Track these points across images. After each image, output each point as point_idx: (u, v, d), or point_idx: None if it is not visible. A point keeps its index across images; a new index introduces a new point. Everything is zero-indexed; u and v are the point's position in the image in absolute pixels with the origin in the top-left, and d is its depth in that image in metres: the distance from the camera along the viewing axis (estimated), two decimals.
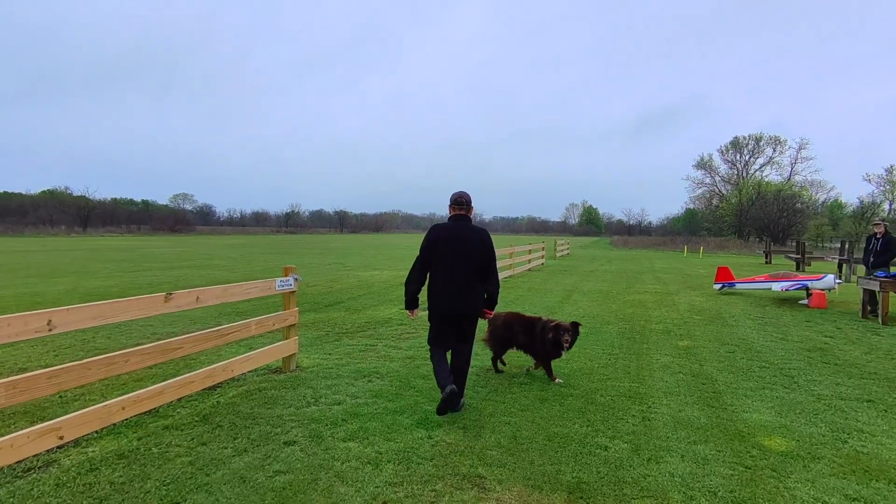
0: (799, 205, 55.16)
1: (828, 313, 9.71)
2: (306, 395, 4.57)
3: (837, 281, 11.08)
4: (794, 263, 21.98)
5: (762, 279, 12.31)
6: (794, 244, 43.51)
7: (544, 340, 5.04)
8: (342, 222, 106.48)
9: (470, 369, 4.73)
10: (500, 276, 14.86)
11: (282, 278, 5.10)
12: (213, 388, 4.63)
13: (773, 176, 67.19)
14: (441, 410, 4.10)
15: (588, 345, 6.77)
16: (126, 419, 3.74)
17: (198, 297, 4.10)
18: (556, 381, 5.06)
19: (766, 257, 26.80)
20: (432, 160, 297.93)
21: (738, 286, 12.63)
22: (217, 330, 4.34)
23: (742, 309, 10.16)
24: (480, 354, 6.11)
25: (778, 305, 10.73)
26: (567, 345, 4.93)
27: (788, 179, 65.80)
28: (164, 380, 4.33)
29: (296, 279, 5.29)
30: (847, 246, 15.68)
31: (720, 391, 4.92)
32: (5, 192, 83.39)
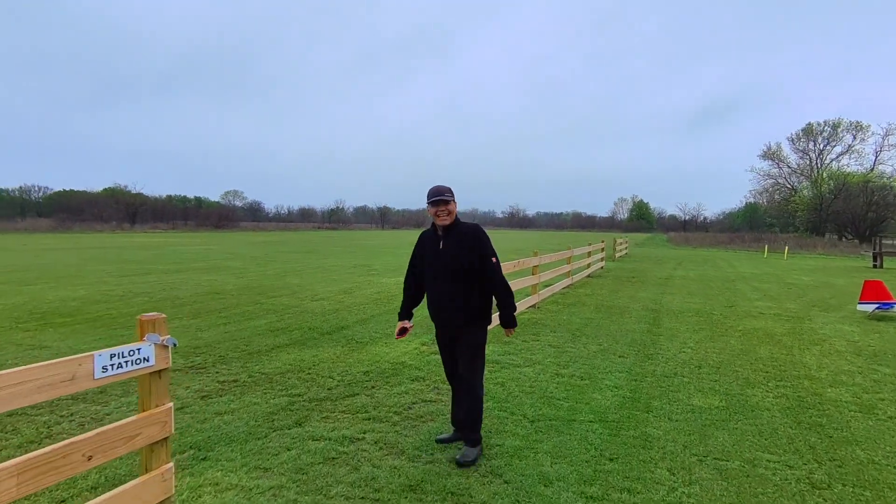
0: (892, 197, 48.42)
1: None
2: None
3: None
4: None
5: None
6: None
7: None
8: (384, 218, 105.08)
9: None
10: (560, 286, 11.74)
11: (123, 348, 2.31)
12: None
13: (852, 166, 60.09)
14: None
15: (744, 443, 3.66)
16: None
17: None
18: None
19: (875, 260, 22.23)
20: (481, 155, 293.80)
21: None
22: None
23: None
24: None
25: None
26: None
27: (872, 170, 58.54)
28: None
29: (167, 345, 2.49)
30: None
31: None
32: (71, 190, 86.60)
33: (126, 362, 2.32)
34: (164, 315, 2.50)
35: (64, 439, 3.59)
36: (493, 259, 3.53)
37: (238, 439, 3.67)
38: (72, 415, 4.07)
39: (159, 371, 2.50)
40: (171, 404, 2.56)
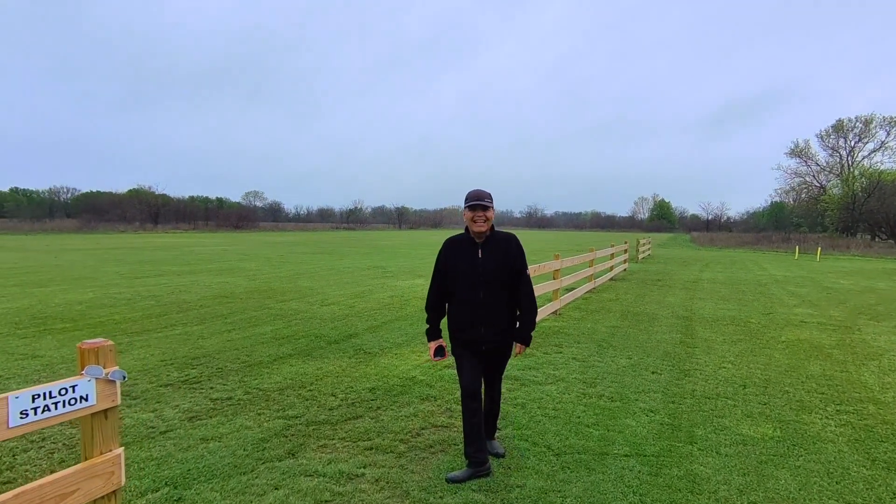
0: None
1: None
2: None
3: None
4: None
5: None
6: None
7: None
8: (401, 218, 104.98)
9: None
10: (582, 290, 11.13)
11: (52, 386, 1.86)
12: None
13: (886, 163, 57.70)
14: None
15: (811, 487, 3.08)
16: None
17: None
18: None
19: None
20: (502, 156, 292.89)
21: None
22: None
23: None
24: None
25: None
26: None
27: None
28: None
29: (114, 379, 2.04)
30: None
31: None
32: (97, 191, 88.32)
33: (56, 403, 1.87)
34: (110, 342, 2.05)
35: (28, 472, 3.20)
36: (527, 271, 3.43)
37: (221, 474, 3.22)
38: (43, 439, 3.68)
39: (105, 411, 2.05)
40: (121, 450, 2.11)
